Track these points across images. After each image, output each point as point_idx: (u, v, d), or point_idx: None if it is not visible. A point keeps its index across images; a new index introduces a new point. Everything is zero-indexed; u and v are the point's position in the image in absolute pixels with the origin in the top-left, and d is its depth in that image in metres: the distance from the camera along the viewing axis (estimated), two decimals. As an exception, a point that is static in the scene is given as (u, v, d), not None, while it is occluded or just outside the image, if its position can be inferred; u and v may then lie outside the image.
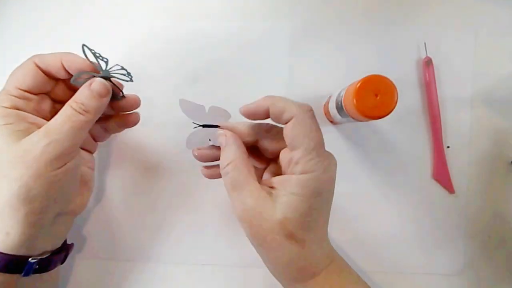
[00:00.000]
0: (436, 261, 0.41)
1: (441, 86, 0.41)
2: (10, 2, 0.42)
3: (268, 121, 0.32)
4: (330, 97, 0.39)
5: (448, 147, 0.41)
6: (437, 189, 0.41)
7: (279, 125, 0.32)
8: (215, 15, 0.42)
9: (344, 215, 0.41)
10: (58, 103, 0.34)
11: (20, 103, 0.31)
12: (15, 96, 0.30)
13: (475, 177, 0.41)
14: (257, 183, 0.30)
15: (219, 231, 0.41)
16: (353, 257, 0.41)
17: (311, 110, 0.30)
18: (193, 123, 0.32)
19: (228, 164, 0.30)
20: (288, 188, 0.29)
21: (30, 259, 0.31)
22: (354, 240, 0.41)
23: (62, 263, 0.35)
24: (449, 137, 0.41)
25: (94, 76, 0.31)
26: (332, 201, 0.31)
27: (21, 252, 0.30)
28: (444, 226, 0.41)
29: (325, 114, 0.41)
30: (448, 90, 0.41)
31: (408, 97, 0.41)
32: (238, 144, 0.31)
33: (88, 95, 0.30)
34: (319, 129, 0.29)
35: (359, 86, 0.30)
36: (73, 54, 0.31)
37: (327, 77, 0.42)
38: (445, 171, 0.41)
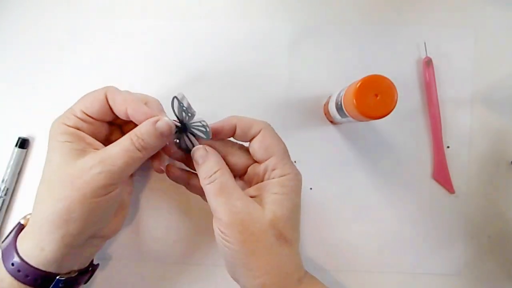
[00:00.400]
0: (436, 261, 0.41)
1: (441, 86, 0.41)
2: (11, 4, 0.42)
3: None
4: (330, 97, 0.39)
5: (448, 147, 0.41)
6: (437, 189, 0.41)
7: (240, 143, 0.35)
8: (215, 15, 0.42)
9: (344, 215, 0.41)
10: (116, 128, 0.36)
11: (82, 124, 0.31)
12: (78, 118, 0.31)
13: (475, 177, 0.41)
14: (240, 189, 0.31)
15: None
16: (352, 257, 0.41)
17: (270, 125, 0.33)
18: (176, 120, 0.33)
19: (216, 171, 0.31)
20: (271, 190, 0.31)
21: (58, 276, 0.31)
22: (354, 240, 0.41)
23: (85, 283, 0.36)
24: (449, 137, 0.41)
25: (176, 126, 0.32)
26: None
27: (51, 269, 0.30)
28: (444, 226, 0.41)
29: (325, 114, 0.41)
30: (448, 90, 0.41)
31: (408, 97, 0.41)
32: (220, 157, 0.32)
33: (151, 132, 0.30)
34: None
35: (359, 86, 0.30)
36: (140, 104, 0.31)
37: (327, 77, 0.42)
38: (445, 171, 0.41)
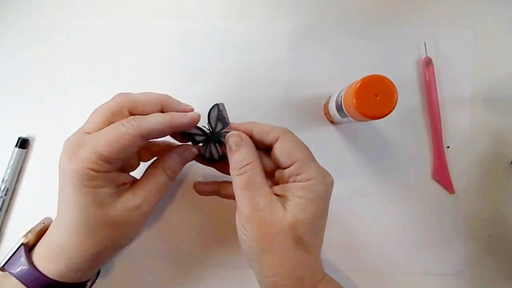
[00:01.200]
0: (436, 261, 0.41)
1: (441, 86, 0.41)
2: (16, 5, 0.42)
3: None
4: (330, 97, 0.39)
5: (448, 147, 0.41)
6: (437, 189, 0.41)
7: None
8: (215, 15, 0.42)
9: (344, 215, 0.41)
10: None
11: (110, 167, 0.29)
12: (106, 162, 0.29)
13: (475, 177, 0.41)
14: (268, 187, 0.31)
15: (219, 231, 0.41)
16: (352, 257, 0.41)
17: (290, 131, 0.32)
18: (206, 126, 0.33)
19: (247, 164, 0.30)
20: (296, 193, 0.30)
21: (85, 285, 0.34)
22: (354, 240, 0.41)
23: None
24: (449, 137, 0.41)
25: (205, 134, 0.33)
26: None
27: (74, 280, 0.32)
28: (444, 226, 0.41)
29: (325, 114, 0.41)
30: (448, 90, 0.41)
31: (408, 97, 0.41)
32: (254, 148, 0.32)
33: (179, 162, 0.33)
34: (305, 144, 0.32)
35: (359, 86, 0.30)
36: (179, 115, 0.31)
37: (327, 77, 0.42)
38: (445, 171, 0.41)
